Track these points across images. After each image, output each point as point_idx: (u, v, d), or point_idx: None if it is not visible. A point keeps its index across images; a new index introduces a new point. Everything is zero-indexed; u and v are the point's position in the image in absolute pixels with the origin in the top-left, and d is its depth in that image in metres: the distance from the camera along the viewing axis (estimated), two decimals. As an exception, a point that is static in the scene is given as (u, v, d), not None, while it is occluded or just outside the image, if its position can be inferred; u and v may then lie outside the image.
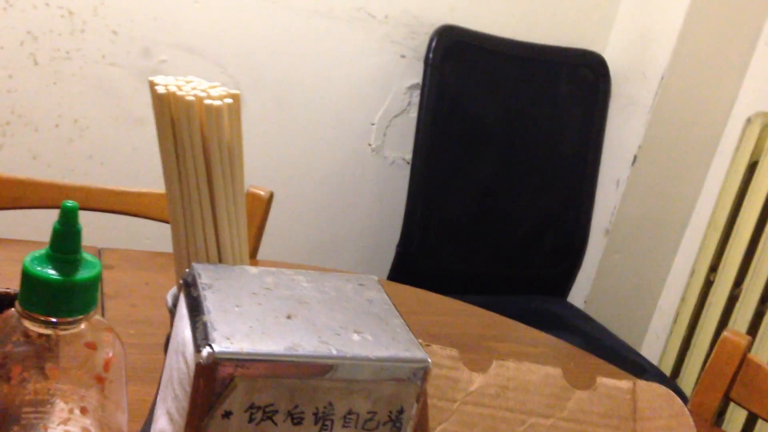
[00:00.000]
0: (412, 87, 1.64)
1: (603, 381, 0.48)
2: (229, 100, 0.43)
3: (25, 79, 1.39)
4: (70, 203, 0.33)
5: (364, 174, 1.67)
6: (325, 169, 1.64)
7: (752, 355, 0.77)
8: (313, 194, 1.64)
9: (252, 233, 0.94)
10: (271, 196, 0.96)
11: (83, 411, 0.37)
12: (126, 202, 0.99)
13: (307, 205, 1.65)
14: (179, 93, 0.42)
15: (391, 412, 0.39)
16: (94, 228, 1.34)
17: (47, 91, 1.41)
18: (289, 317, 0.39)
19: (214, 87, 0.43)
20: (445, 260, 1.65)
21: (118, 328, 0.71)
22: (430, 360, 0.39)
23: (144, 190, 1.00)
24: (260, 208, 0.94)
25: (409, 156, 1.64)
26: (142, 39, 1.42)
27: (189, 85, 0.43)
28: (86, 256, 0.35)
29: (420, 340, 0.42)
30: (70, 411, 0.39)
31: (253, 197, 0.95)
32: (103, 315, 0.73)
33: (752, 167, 1.49)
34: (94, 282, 0.35)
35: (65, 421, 0.39)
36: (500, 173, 1.66)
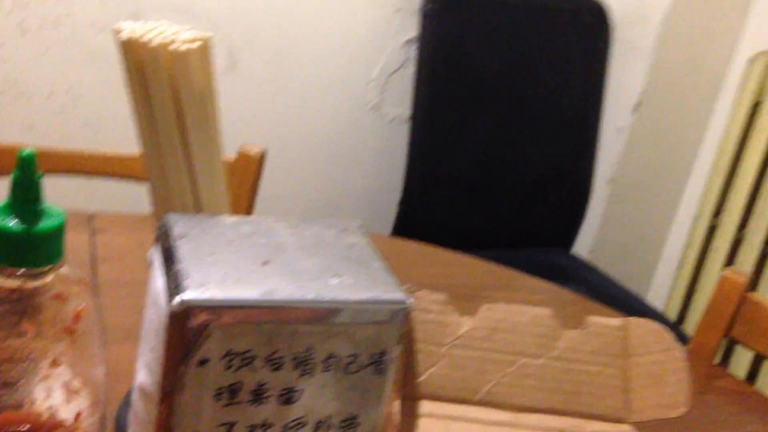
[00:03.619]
0: (409, 41, 1.61)
1: (593, 319, 0.47)
2: (198, 44, 0.42)
3: (14, 48, 1.37)
4: (27, 151, 0.32)
5: (363, 132, 1.65)
6: (324, 128, 1.62)
7: (758, 296, 0.76)
8: (312, 154, 1.63)
9: (246, 192, 0.93)
10: (264, 153, 0.94)
11: (56, 364, 0.37)
12: (120, 166, 0.98)
13: (307, 165, 1.64)
14: (144, 39, 0.40)
15: (373, 354, 0.38)
16: (89, 193, 1.34)
17: (38, 60, 1.39)
18: (265, 263, 0.39)
19: (182, 31, 0.42)
20: (449, 216, 1.64)
21: (111, 290, 0.71)
22: (410, 301, 0.38)
23: (137, 153, 0.98)
24: (253, 166, 0.93)
25: (408, 113, 1.62)
26: (132, 2, 1.40)
27: (155, 30, 0.42)
28: (50, 206, 0.34)
29: (407, 285, 0.41)
30: (48, 366, 0.39)
31: (245, 155, 0.94)
32: (95, 278, 0.72)
33: (755, 108, 1.46)
34: (58, 231, 0.34)
35: (45, 378, 0.39)
36: (502, 126, 1.64)
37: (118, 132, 1.47)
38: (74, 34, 1.39)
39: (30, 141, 1.42)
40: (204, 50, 0.44)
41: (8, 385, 0.38)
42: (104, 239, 0.79)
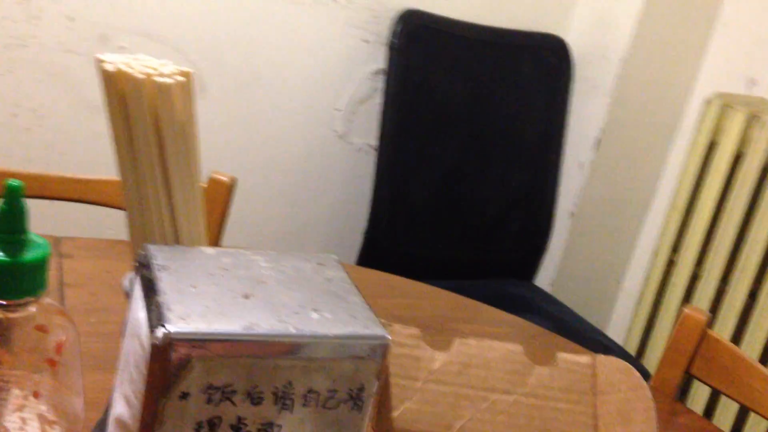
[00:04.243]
0: (376, 72, 1.63)
1: (563, 356, 0.48)
2: (181, 78, 0.42)
3: (-21, 67, 1.36)
4: (14, 182, 0.32)
5: (330, 161, 1.66)
6: (291, 156, 1.63)
7: (715, 333, 0.78)
8: (278, 182, 1.63)
9: (215, 220, 0.93)
10: (234, 182, 0.95)
11: (36, 395, 0.36)
12: (86, 190, 0.97)
13: (273, 193, 1.64)
14: (128, 70, 0.41)
15: (351, 389, 0.38)
16: (54, 217, 1.32)
17: (3, 79, 1.38)
18: (246, 297, 0.39)
19: (165, 64, 0.43)
20: (413, 245, 1.65)
21: (79, 316, 0.70)
22: (389, 337, 0.39)
23: (104, 177, 0.98)
24: (223, 195, 0.93)
25: (375, 142, 1.63)
26: (100, 25, 1.39)
27: (138, 62, 0.42)
28: (34, 236, 0.34)
29: (382, 320, 0.42)
30: (25, 397, 0.38)
31: (215, 183, 0.94)
32: (62, 304, 0.71)
33: (711, 147, 1.51)
34: (43, 263, 0.34)
35: (20, 408, 0.38)
36: (465, 157, 1.66)
37: (82, 154, 1.46)
38: (40, 56, 1.38)
39: (-8, 161, 1.40)
40: (187, 84, 0.45)
41: (-18, 415, 0.38)
42: (71, 264, 0.79)
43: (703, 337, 0.76)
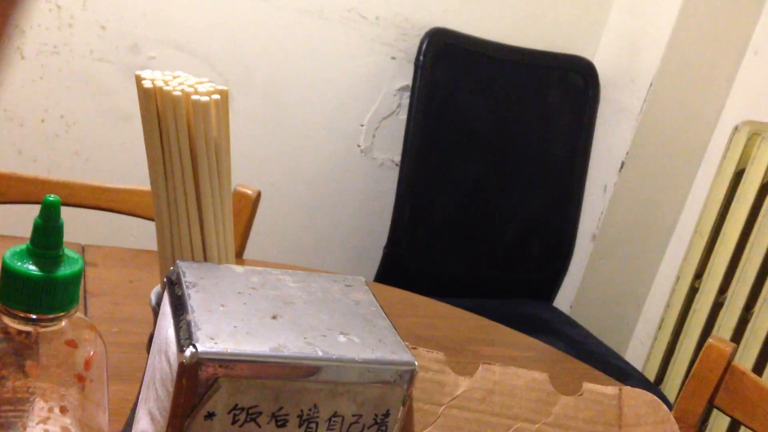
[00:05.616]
0: (402, 89, 1.63)
1: (589, 387, 0.48)
2: (217, 96, 0.43)
3: (11, 73, 1.38)
4: (52, 197, 0.32)
5: (352, 175, 1.66)
6: (314, 169, 1.63)
7: (736, 362, 0.77)
8: (301, 194, 1.64)
9: (239, 232, 0.93)
10: (259, 195, 0.95)
11: (63, 410, 0.36)
12: (111, 199, 0.98)
13: (295, 205, 1.64)
14: (166, 88, 0.41)
15: (376, 415, 0.38)
16: (78, 224, 1.33)
17: (33, 85, 1.40)
18: (274, 317, 0.39)
19: (202, 83, 0.43)
20: (433, 262, 1.65)
21: (101, 326, 0.70)
22: (416, 363, 0.38)
23: (130, 186, 0.99)
24: (247, 207, 0.94)
25: (398, 158, 1.63)
26: (131, 35, 1.41)
27: (176, 80, 0.42)
28: (68, 251, 0.34)
29: (406, 343, 0.42)
30: (50, 410, 0.38)
31: (240, 196, 0.94)
32: (85, 313, 0.72)
33: (739, 175, 1.50)
34: (76, 278, 0.34)
35: (45, 420, 0.39)
36: (489, 176, 1.66)
37: (108, 161, 1.48)
38: (71, 63, 1.40)
39: (19, 166, 1.42)
40: (222, 102, 0.45)
41: (8, 425, 0.38)
42: (95, 273, 0.79)
43: (728, 368, 0.75)
